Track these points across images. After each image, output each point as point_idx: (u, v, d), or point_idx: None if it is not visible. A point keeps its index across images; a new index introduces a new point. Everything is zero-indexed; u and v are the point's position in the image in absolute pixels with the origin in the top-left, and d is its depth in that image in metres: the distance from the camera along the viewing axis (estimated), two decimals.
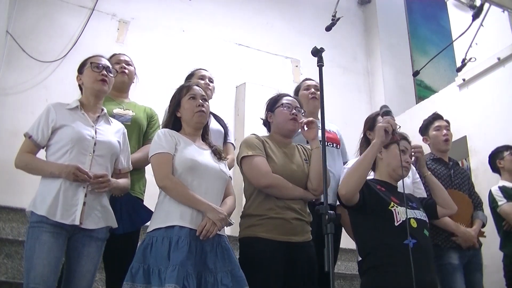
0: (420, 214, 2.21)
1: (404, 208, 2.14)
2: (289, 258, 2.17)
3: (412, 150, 2.55)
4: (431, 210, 2.34)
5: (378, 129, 2.18)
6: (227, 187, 2.20)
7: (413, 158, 2.58)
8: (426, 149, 3.17)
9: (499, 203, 3.18)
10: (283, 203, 2.23)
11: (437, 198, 2.38)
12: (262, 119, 2.55)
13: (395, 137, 2.18)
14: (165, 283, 1.81)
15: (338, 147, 2.94)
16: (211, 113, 3.02)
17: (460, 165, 3.21)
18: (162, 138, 2.10)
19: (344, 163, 3.01)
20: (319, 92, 3.00)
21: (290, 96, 2.54)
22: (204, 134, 2.27)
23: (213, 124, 2.92)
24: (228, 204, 2.13)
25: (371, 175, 2.42)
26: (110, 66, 2.37)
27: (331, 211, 1.80)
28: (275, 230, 2.18)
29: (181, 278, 1.81)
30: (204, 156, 2.13)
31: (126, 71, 2.77)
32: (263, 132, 2.74)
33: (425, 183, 2.67)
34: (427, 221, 2.24)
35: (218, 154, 2.21)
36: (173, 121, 2.22)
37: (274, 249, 2.15)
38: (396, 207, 2.15)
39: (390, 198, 2.19)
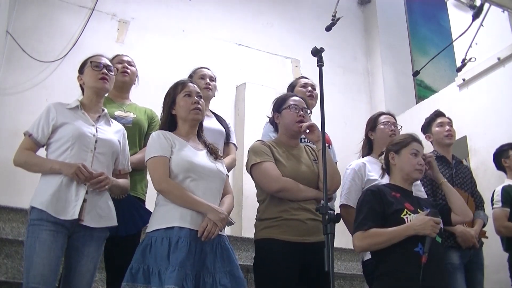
0: None
1: (417, 215, 2.14)
2: (304, 258, 2.17)
3: (425, 159, 2.52)
4: (445, 216, 2.32)
5: (427, 226, 2.08)
6: (225, 186, 2.20)
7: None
8: (429, 148, 3.17)
9: (494, 205, 3.19)
10: (297, 204, 2.25)
11: (452, 204, 2.37)
12: (268, 117, 2.55)
13: (423, 259, 2.06)
14: (164, 284, 1.80)
15: (330, 147, 2.97)
16: (213, 113, 3.04)
17: None
18: (157, 141, 2.09)
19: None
20: (315, 91, 3.03)
21: (297, 96, 2.54)
22: (198, 132, 2.27)
23: (215, 124, 2.92)
24: (226, 203, 2.13)
25: (386, 179, 2.42)
26: (111, 65, 2.38)
27: (331, 211, 1.81)
28: (290, 231, 2.19)
29: (181, 279, 1.81)
30: (200, 156, 2.13)
31: (128, 71, 2.78)
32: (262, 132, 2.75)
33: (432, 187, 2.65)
34: (441, 227, 2.22)
35: (214, 154, 2.20)
36: (169, 120, 2.21)
37: (289, 250, 2.16)
38: (409, 214, 2.14)
39: (404, 204, 2.18)
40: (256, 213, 2.39)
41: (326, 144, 2.84)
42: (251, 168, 2.33)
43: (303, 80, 3.05)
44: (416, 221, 2.10)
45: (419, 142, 2.37)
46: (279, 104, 2.48)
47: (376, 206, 2.16)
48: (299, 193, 2.26)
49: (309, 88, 2.98)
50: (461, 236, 2.74)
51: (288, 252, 2.16)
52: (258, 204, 2.42)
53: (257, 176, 2.31)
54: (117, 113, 2.62)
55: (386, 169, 2.41)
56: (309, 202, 2.28)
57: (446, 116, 3.14)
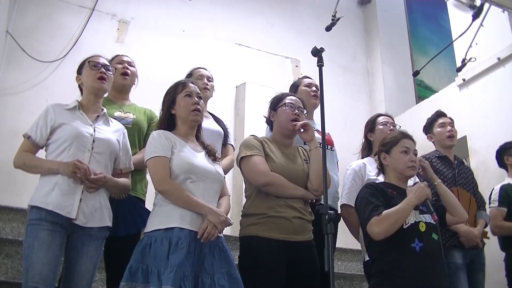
0: (430, 218, 2.20)
1: (413, 212, 2.15)
2: (290, 257, 2.16)
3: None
4: (439, 217, 2.33)
5: (422, 193, 2.16)
6: (222, 188, 2.21)
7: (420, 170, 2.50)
8: (431, 147, 3.18)
9: (491, 204, 3.20)
10: (283, 201, 2.23)
11: (447, 205, 2.37)
12: (265, 117, 2.55)
13: (433, 217, 2.19)
14: (162, 284, 1.81)
15: (332, 149, 2.94)
16: (211, 114, 3.03)
17: None
18: (158, 141, 2.09)
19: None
20: (319, 92, 3.01)
21: (294, 96, 2.54)
22: (197, 133, 2.26)
23: (213, 125, 2.91)
24: (223, 205, 2.14)
25: (381, 178, 2.43)
26: (109, 64, 2.38)
27: (331, 211, 1.81)
28: (276, 229, 2.17)
29: (178, 279, 1.81)
30: (199, 158, 2.13)
31: (129, 71, 2.77)
32: (263, 132, 2.75)
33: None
34: (437, 224, 2.23)
35: (213, 156, 2.20)
36: (168, 119, 2.21)
37: (275, 248, 2.14)
38: None
39: (401, 201, 2.19)
40: (242, 209, 2.36)
41: (329, 146, 2.86)
42: (240, 161, 2.32)
43: (307, 80, 3.01)
44: (411, 193, 2.17)
45: (410, 138, 2.36)
46: (275, 103, 2.48)
47: (380, 196, 2.19)
48: (286, 190, 2.24)
49: (313, 88, 2.95)
50: (464, 235, 2.74)
51: (274, 250, 2.14)
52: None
53: (245, 169, 2.30)
54: (117, 114, 2.62)
55: (381, 169, 2.41)
56: (296, 200, 2.26)
57: (448, 116, 3.13)
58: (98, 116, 2.30)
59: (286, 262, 2.16)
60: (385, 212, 2.11)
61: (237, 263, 2.22)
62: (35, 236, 1.98)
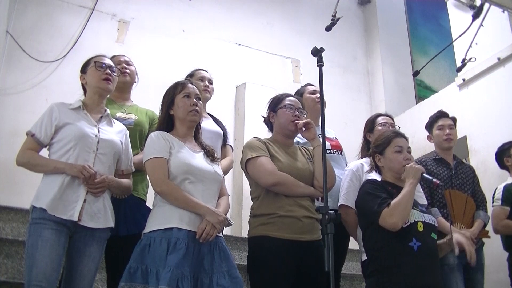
0: (429, 218, 2.20)
1: (413, 211, 2.15)
2: (299, 257, 2.17)
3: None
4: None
5: (415, 171, 2.18)
6: (221, 188, 2.21)
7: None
8: (431, 147, 3.18)
9: (494, 203, 3.20)
10: (292, 201, 2.23)
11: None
12: (263, 116, 2.55)
13: (435, 183, 2.21)
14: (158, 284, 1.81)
15: (342, 154, 2.93)
16: (210, 114, 3.03)
17: None
18: (156, 142, 2.09)
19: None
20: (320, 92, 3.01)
21: (293, 96, 2.54)
22: (195, 133, 2.27)
23: (212, 126, 2.91)
24: (222, 205, 2.14)
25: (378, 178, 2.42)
26: (114, 66, 2.38)
27: (331, 211, 1.81)
28: (286, 228, 2.18)
29: (174, 280, 1.81)
30: (198, 159, 2.13)
31: (128, 71, 2.78)
32: (263, 132, 2.75)
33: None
34: (436, 225, 2.23)
35: (211, 156, 2.21)
36: (167, 120, 2.22)
37: (284, 248, 2.15)
38: None
39: None
40: (250, 210, 2.36)
41: (339, 151, 2.86)
42: (246, 163, 2.32)
43: (311, 87, 3.01)
44: (407, 178, 2.17)
45: (401, 136, 2.36)
46: (275, 104, 2.48)
47: (384, 191, 2.20)
48: (295, 188, 2.24)
49: (318, 95, 2.94)
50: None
51: (283, 250, 2.14)
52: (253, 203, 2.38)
53: (253, 170, 2.29)
54: (119, 114, 2.62)
55: (377, 170, 2.42)
56: (305, 199, 2.27)
57: (450, 116, 3.11)
58: (101, 116, 2.30)
59: (295, 262, 2.16)
60: (392, 202, 2.12)
61: (241, 263, 2.22)
62: (39, 235, 1.98)
